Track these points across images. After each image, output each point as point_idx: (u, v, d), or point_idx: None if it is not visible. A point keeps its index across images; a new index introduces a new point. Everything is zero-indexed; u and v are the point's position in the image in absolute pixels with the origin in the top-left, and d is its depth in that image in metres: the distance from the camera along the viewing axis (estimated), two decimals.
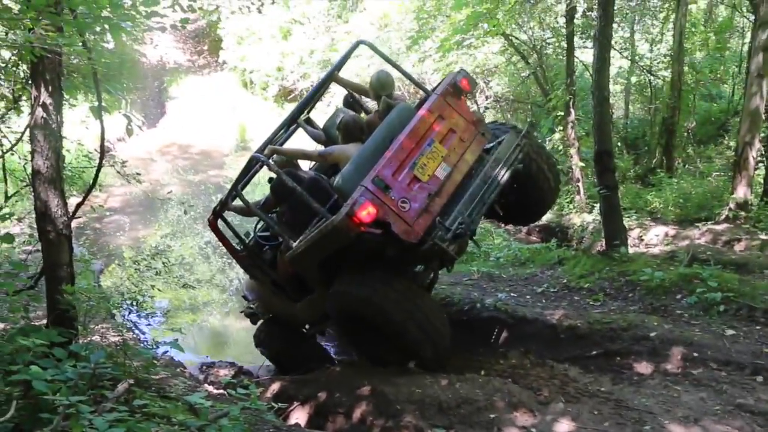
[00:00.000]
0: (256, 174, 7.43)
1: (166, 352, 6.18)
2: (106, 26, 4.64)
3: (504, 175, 6.50)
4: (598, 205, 12.62)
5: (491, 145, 6.87)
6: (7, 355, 4.14)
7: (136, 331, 6.19)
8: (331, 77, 7.67)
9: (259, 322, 7.95)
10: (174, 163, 19.91)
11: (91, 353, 4.32)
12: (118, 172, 6.96)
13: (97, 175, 5.56)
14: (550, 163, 7.58)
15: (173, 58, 28.18)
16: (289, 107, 21.48)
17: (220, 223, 7.28)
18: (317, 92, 7.89)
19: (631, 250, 9.91)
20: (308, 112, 8.49)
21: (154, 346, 4.64)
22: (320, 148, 7.77)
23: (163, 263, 7.87)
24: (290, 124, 7.77)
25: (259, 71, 21.70)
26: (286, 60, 20.83)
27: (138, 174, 6.87)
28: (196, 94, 23.33)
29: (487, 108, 19.42)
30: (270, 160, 6.78)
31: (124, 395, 3.98)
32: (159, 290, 6.63)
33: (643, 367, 6.52)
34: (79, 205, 5.39)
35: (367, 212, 5.71)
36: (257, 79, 22.10)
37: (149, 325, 5.09)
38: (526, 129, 7.08)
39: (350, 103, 8.51)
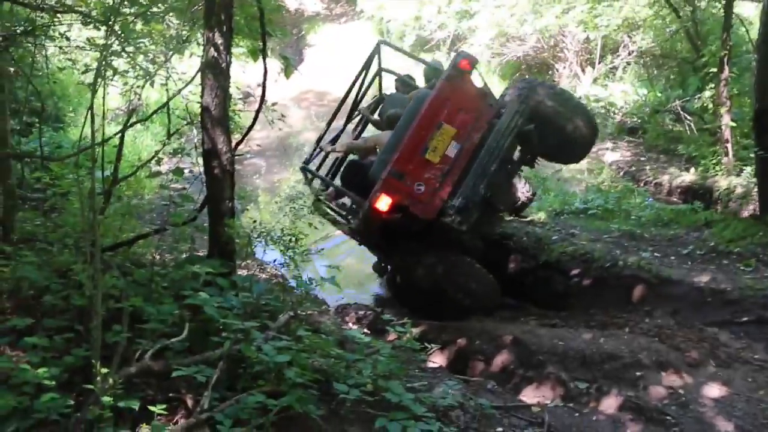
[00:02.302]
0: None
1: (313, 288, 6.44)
2: None
3: (506, 143, 6.92)
4: (748, 168, 11.96)
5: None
6: (177, 281, 4.41)
7: (286, 268, 6.44)
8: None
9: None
10: (310, 110, 20.29)
11: (253, 285, 4.55)
12: (264, 116, 7.15)
13: (257, 116, 5.78)
14: (570, 106, 7.66)
15: (310, 7, 28.53)
16: (426, 57, 21.40)
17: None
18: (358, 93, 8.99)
19: None
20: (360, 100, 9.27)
21: (308, 283, 4.81)
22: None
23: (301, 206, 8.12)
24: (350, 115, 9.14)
25: (397, 20, 21.59)
26: (423, 9, 20.60)
27: (283, 116, 7.08)
28: (334, 43, 23.55)
29: (628, 64, 18.60)
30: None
31: (285, 326, 4.18)
32: (312, 227, 6.90)
33: None
34: (238, 143, 5.62)
35: (383, 202, 6.54)
36: (394, 29, 22.02)
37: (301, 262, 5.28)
38: (525, 94, 7.37)
39: (405, 85, 8.78)
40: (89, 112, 3.49)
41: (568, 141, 7.60)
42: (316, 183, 8.47)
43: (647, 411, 4.71)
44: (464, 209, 6.79)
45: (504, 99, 7.63)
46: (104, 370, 3.06)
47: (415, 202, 6.71)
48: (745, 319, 6.51)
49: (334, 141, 8.97)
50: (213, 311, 3.79)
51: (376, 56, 8.75)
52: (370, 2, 21.88)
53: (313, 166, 8.64)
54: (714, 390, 5.02)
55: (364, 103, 9.54)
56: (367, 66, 8.60)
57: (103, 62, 4.46)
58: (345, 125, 9.30)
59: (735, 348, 5.86)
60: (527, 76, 19.18)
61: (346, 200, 8.00)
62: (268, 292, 4.75)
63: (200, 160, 5.43)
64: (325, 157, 8.88)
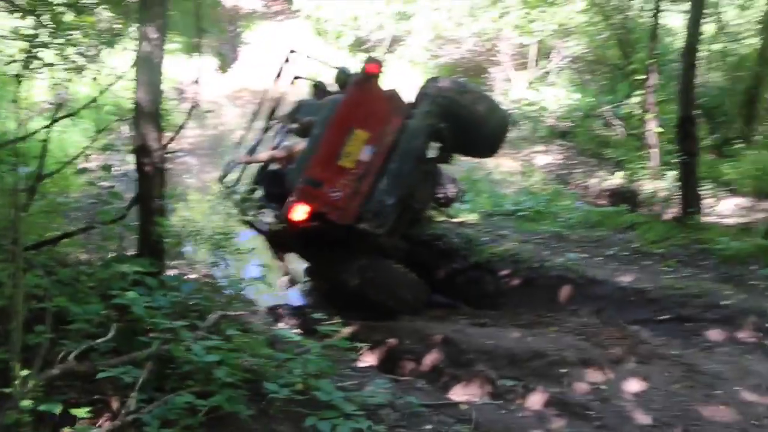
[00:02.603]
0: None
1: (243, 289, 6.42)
2: None
3: (418, 144, 7.09)
4: (671, 173, 12.39)
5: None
6: (104, 281, 4.34)
7: (217, 267, 6.39)
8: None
9: None
10: (245, 108, 20.12)
11: (182, 285, 4.51)
12: (198, 112, 7.09)
13: (190, 113, 5.71)
14: (481, 102, 7.79)
15: (248, 4, 28.26)
16: (363, 57, 21.42)
17: None
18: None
19: (703, 220, 9.73)
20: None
21: (238, 283, 4.80)
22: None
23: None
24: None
25: (334, 20, 21.57)
26: (361, 10, 20.65)
27: (208, 112, 7.04)
28: (270, 41, 23.39)
29: (561, 69, 19.04)
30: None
31: (214, 326, 4.15)
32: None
33: (715, 334, 6.48)
34: (170, 140, 5.53)
35: (300, 211, 6.60)
36: (331, 28, 21.99)
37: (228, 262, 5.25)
38: (435, 93, 7.47)
39: (320, 91, 8.74)
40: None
41: (482, 136, 7.74)
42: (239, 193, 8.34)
43: (571, 406, 4.86)
44: (380, 213, 6.90)
45: (417, 99, 7.68)
46: (24, 372, 2.99)
47: (333, 209, 6.77)
48: (664, 317, 6.80)
49: (252, 151, 8.79)
50: (141, 311, 3.75)
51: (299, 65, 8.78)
52: (308, 1, 21.78)
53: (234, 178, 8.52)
54: (634, 385, 5.21)
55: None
56: (279, 74, 8.53)
57: (29, 53, 4.36)
58: (263, 135, 9.07)
59: (654, 344, 6.10)
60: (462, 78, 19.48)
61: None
62: (197, 292, 4.70)
63: (129, 158, 5.37)
64: (244, 168, 8.71)
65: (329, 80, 9.08)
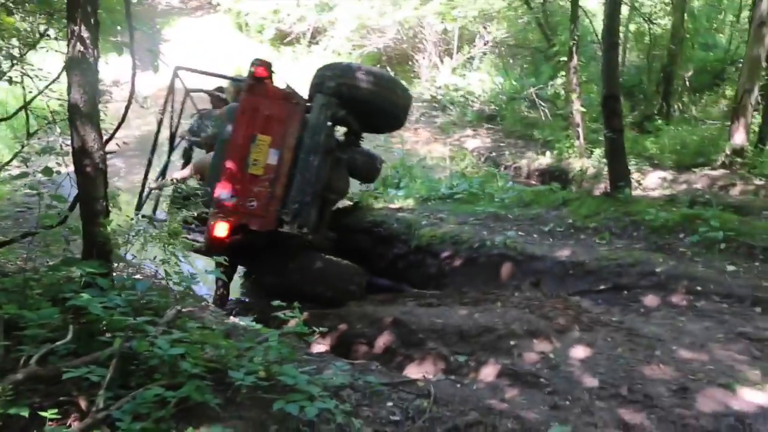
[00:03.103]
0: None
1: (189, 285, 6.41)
2: None
3: (321, 137, 7.12)
4: (597, 150, 12.84)
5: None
6: (54, 285, 4.29)
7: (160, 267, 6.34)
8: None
9: None
10: (171, 107, 19.78)
11: (135, 283, 4.49)
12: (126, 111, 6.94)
13: (126, 112, 5.64)
14: (375, 79, 7.82)
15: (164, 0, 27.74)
16: (286, 50, 21.33)
17: None
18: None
19: (632, 193, 10.12)
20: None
21: (190, 280, 4.80)
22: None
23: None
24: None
25: (255, 14, 21.43)
26: (282, 2, 20.58)
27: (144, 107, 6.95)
28: (191, 37, 23.03)
29: (485, 54, 19.39)
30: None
31: (172, 321, 4.16)
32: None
33: (651, 300, 6.79)
34: (107, 141, 5.47)
35: (220, 228, 6.57)
36: (252, 22, 21.84)
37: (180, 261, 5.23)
38: (328, 84, 7.49)
39: (219, 100, 8.79)
40: None
41: (384, 111, 7.87)
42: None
43: (522, 376, 5.03)
44: (299, 213, 6.94)
45: (311, 92, 7.72)
46: None
47: (252, 219, 6.80)
48: (602, 287, 7.10)
49: (162, 174, 8.64)
50: (98, 311, 3.73)
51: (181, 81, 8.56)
52: None
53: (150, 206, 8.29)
54: (580, 351, 5.42)
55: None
56: (170, 91, 8.34)
57: None
58: (169, 156, 8.87)
59: (595, 313, 6.35)
60: (387, 68, 19.60)
61: None
62: (151, 290, 4.69)
63: (55, 161, 5.31)
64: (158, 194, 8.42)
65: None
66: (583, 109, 13.62)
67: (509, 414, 4.33)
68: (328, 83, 7.41)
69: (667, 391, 4.86)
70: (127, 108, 5.65)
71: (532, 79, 17.12)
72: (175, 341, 3.61)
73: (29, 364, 3.36)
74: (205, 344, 3.98)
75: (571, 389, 4.88)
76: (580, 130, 13.61)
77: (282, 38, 21.52)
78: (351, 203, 10.10)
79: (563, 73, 14.57)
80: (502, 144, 16.16)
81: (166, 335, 3.71)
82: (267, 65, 7.13)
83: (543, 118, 16.18)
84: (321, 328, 5.25)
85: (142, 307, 4.36)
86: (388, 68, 19.82)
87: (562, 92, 15.04)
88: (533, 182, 13.95)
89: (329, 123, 7.29)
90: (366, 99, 7.58)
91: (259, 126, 6.94)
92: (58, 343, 3.61)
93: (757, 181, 11.79)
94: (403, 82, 8.48)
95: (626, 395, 4.78)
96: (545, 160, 14.44)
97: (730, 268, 7.37)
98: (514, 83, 17.67)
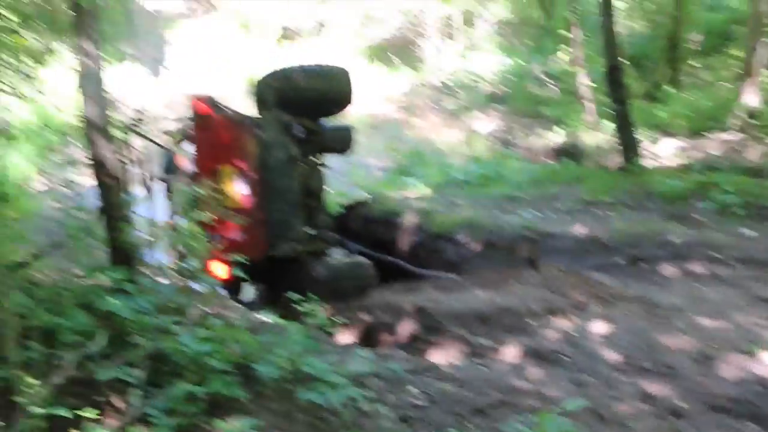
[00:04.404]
0: None
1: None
2: None
3: (280, 154, 6.98)
4: (609, 124, 12.81)
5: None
6: (84, 293, 4.43)
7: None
8: None
9: None
10: (181, 112, 19.94)
11: (161, 286, 4.63)
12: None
13: (137, 123, 5.78)
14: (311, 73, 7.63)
15: (168, 6, 27.85)
16: (292, 47, 21.42)
17: None
18: None
19: (645, 164, 10.13)
20: None
21: (211, 281, 4.93)
22: None
23: None
24: None
25: (258, 13, 21.54)
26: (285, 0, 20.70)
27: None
28: (196, 41, 23.17)
29: (488, 35, 19.38)
30: None
31: (197, 320, 4.28)
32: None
33: (668, 270, 6.85)
34: (122, 151, 5.59)
35: (220, 270, 6.15)
36: (257, 21, 21.95)
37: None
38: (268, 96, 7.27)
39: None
40: None
41: (332, 100, 7.68)
42: None
43: (544, 354, 5.11)
44: (285, 232, 6.93)
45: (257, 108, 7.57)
46: (34, 382, 3.10)
47: (244, 250, 6.42)
48: (619, 260, 7.15)
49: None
50: (127, 314, 3.86)
51: None
52: None
53: None
54: (600, 327, 5.49)
55: None
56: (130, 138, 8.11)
57: None
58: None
59: (613, 287, 6.42)
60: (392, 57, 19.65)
61: None
62: (176, 292, 4.81)
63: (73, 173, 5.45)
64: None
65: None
66: (591, 83, 13.60)
67: (532, 392, 4.42)
68: (269, 97, 7.25)
69: (689, 360, 4.93)
70: (137, 119, 5.81)
71: (538, 56, 17.09)
72: (202, 339, 3.73)
73: (66, 368, 3.49)
74: (230, 341, 4.10)
75: (593, 365, 4.96)
76: (588, 104, 13.60)
77: (287, 36, 21.61)
78: (367, 195, 10.19)
79: (567, 48, 14.55)
80: (513, 124, 16.17)
81: (192, 334, 3.83)
82: (206, 99, 7.08)
83: (552, 95, 16.16)
84: (343, 320, 5.36)
85: (169, 308, 4.49)
86: (394, 58, 19.88)
87: (569, 68, 15.01)
88: (547, 161, 13.95)
89: (284, 135, 7.15)
90: (311, 96, 7.44)
91: (217, 158, 6.91)
92: (92, 347, 3.74)
93: None
94: (337, 64, 8.27)
95: (648, 367, 4.86)
96: (557, 137, 14.44)
97: (748, 232, 7.40)
98: (521, 62, 17.65)
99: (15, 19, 5.06)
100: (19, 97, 5.90)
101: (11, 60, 6.13)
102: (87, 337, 3.90)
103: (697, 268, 6.79)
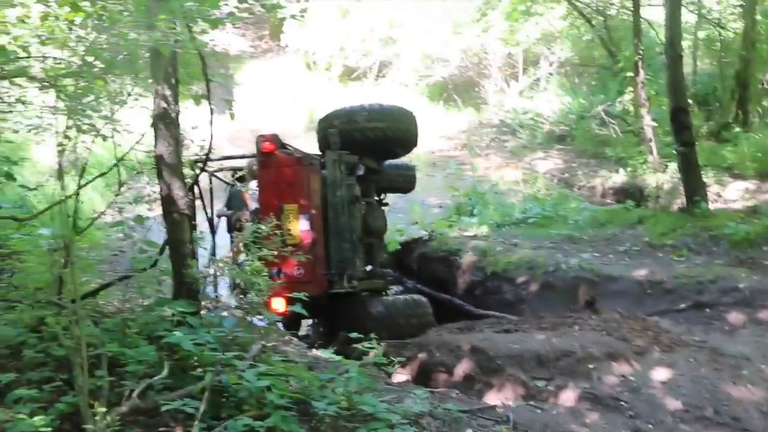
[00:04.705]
0: None
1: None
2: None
3: (343, 192, 7.07)
4: (672, 164, 12.61)
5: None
6: (149, 324, 4.58)
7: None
8: None
9: None
10: (245, 148, 20.39)
11: (223, 321, 4.75)
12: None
13: (206, 158, 6.00)
14: (374, 114, 7.70)
15: (235, 45, 28.66)
16: (354, 85, 21.77)
17: None
18: None
19: (710, 207, 9.93)
20: None
21: (272, 316, 5.05)
22: None
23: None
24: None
25: (322, 52, 21.94)
26: (347, 39, 21.01)
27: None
28: (262, 79, 23.72)
29: (551, 74, 19.36)
30: None
31: (257, 355, 4.38)
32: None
33: (735, 318, 6.69)
34: (192, 187, 5.80)
35: (278, 304, 6.35)
36: (320, 60, 22.34)
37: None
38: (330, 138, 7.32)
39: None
40: (59, 171, 3.66)
41: (396, 140, 7.75)
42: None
43: (603, 399, 5.05)
44: (344, 268, 6.95)
45: (320, 147, 7.75)
46: (102, 410, 3.22)
47: (303, 286, 6.41)
48: (682, 306, 7.01)
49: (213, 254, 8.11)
50: (190, 347, 3.98)
51: None
52: (295, 36, 22.15)
53: None
54: (661, 373, 5.39)
55: None
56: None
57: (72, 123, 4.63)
58: (213, 238, 8.49)
59: (676, 333, 6.29)
60: (454, 96, 19.79)
61: None
62: (237, 327, 4.93)
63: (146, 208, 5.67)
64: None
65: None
66: (654, 124, 13.43)
67: None
68: (333, 136, 7.34)
69: (756, 412, 4.80)
70: (207, 156, 6.02)
71: (601, 96, 16.95)
72: (262, 374, 3.82)
73: (131, 397, 3.62)
74: (289, 376, 4.18)
75: (654, 412, 4.87)
76: (652, 145, 13.41)
77: (350, 74, 21.93)
78: (426, 233, 10.24)
79: (631, 88, 14.41)
80: (573, 164, 16.02)
81: (252, 369, 3.92)
82: (272, 138, 7.24)
83: (614, 135, 15.99)
84: (399, 358, 5.38)
85: (230, 342, 4.60)
86: (455, 96, 20.02)
87: (632, 108, 14.85)
88: (608, 201, 13.77)
89: (347, 174, 7.27)
90: (374, 136, 7.55)
91: (282, 196, 7.05)
92: (155, 378, 3.87)
93: None
94: (405, 106, 8.36)
95: (712, 417, 4.76)
96: (619, 178, 14.25)
97: None
98: (583, 102, 17.55)
99: (100, 65, 5.30)
100: (98, 136, 6.14)
101: (93, 102, 6.44)
102: (151, 367, 4.04)
103: (765, 315, 6.60)
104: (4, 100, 5.66)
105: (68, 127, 5.67)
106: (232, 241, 8.53)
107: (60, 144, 3.95)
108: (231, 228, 8.71)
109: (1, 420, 3.25)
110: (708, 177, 12.25)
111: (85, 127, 5.82)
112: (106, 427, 3.15)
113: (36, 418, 3.20)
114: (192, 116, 6.89)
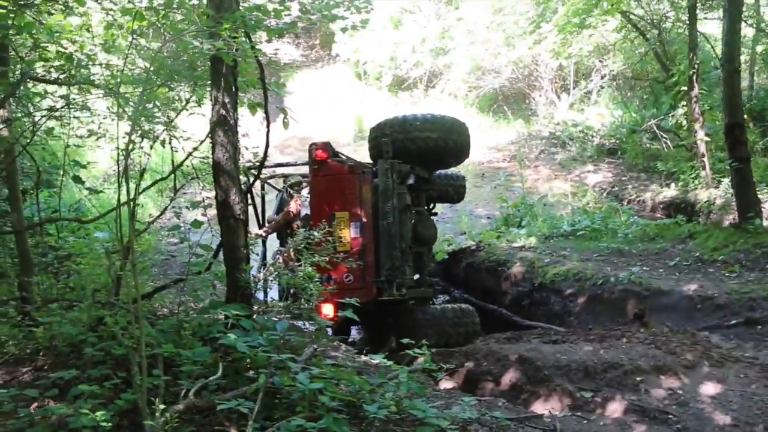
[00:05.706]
0: None
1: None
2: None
3: (394, 201, 7.12)
4: (725, 180, 12.44)
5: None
6: (203, 326, 4.73)
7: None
8: None
9: None
10: (294, 156, 20.68)
11: (276, 324, 4.87)
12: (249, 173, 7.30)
13: (261, 165, 6.17)
14: (428, 123, 7.71)
15: (287, 54, 29.07)
16: (404, 95, 21.91)
17: None
18: None
19: (764, 224, 9.77)
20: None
21: (322, 321, 5.17)
22: None
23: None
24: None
25: (373, 62, 22.12)
26: (398, 49, 21.15)
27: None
28: (312, 88, 24.00)
29: (602, 87, 19.23)
30: None
31: (309, 359, 4.49)
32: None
33: None
34: (246, 193, 5.97)
35: (327, 310, 6.64)
36: (371, 70, 22.53)
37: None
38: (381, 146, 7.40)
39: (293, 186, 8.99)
40: (119, 177, 3.83)
41: (448, 150, 7.77)
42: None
43: (650, 412, 5.04)
44: (394, 276, 7.00)
45: (372, 155, 7.83)
46: (161, 407, 3.36)
47: (353, 293, 6.51)
48: (733, 321, 6.92)
49: (263, 265, 8.56)
50: (244, 349, 4.11)
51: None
52: (346, 46, 22.38)
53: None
54: (710, 388, 5.35)
55: None
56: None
57: (134, 130, 4.82)
58: (264, 248, 8.99)
59: (726, 348, 6.22)
60: (504, 107, 19.76)
61: None
62: (288, 330, 5.05)
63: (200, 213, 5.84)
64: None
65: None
66: (708, 138, 13.26)
67: None
68: (386, 146, 7.39)
69: None
70: (262, 163, 6.18)
71: (653, 110, 16.78)
72: (314, 377, 3.92)
73: (187, 396, 3.76)
74: (340, 380, 4.28)
75: (702, 426, 4.85)
76: (705, 160, 13.24)
77: (400, 84, 22.09)
78: (474, 243, 10.30)
79: (684, 103, 14.24)
80: (624, 178, 15.90)
81: (305, 371, 4.03)
82: (325, 146, 7.39)
83: (665, 149, 15.81)
84: (448, 366, 5.43)
85: (282, 345, 4.72)
86: (505, 108, 20.01)
87: (684, 122, 14.66)
88: (658, 216, 13.61)
89: (398, 183, 7.33)
90: (428, 146, 7.61)
91: (334, 204, 7.19)
92: (210, 378, 4.00)
93: None
94: (457, 117, 8.39)
95: None
96: (670, 192, 14.09)
97: None
98: (634, 115, 17.39)
99: (162, 74, 5.49)
100: (156, 141, 6.34)
101: (155, 110, 6.67)
102: (205, 368, 4.18)
103: None
104: (70, 107, 5.90)
105: (129, 133, 5.90)
106: (281, 247, 8.74)
107: (126, 148, 4.09)
108: (280, 234, 8.90)
109: (64, 414, 3.41)
110: (762, 193, 12.04)
111: (145, 134, 6.06)
112: (164, 424, 3.28)
113: (97, 414, 3.36)
114: (243, 123, 7.09)
